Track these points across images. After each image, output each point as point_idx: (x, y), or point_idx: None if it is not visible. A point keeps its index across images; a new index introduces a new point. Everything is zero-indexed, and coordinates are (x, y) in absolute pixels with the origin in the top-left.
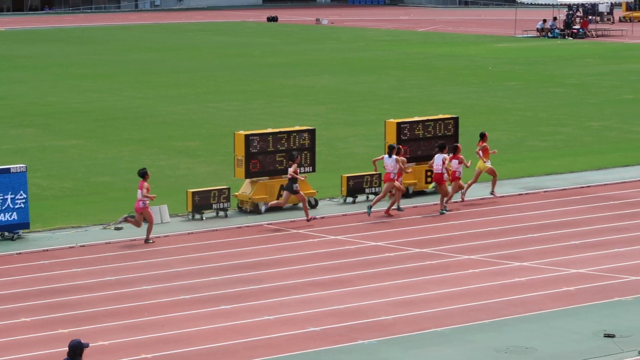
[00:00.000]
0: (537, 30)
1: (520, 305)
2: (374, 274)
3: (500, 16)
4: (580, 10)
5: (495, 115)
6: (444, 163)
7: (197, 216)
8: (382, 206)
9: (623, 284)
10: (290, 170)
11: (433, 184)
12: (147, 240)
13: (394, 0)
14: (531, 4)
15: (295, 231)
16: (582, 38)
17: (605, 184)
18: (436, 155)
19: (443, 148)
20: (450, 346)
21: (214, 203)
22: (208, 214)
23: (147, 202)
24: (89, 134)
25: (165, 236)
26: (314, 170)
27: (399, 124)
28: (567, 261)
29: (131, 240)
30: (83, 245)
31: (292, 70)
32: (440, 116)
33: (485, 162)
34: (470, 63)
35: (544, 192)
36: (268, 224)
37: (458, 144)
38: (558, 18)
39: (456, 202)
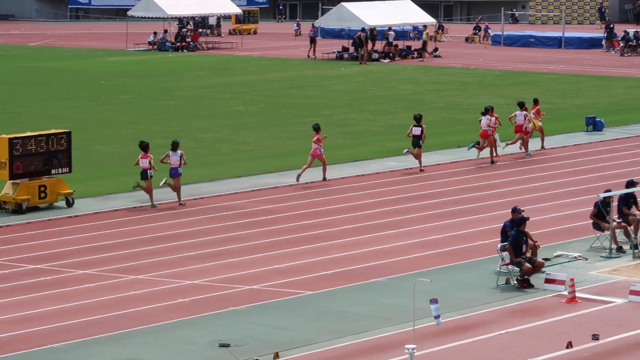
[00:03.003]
0: (149, 43)
1: (137, 317)
2: None
3: (111, 30)
4: (191, 23)
5: (108, 129)
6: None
7: None
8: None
9: (238, 293)
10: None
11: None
12: (298, 177)
13: (4, 14)
14: (142, 18)
15: None
16: (193, 51)
17: (218, 195)
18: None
19: (487, 111)
20: None
21: None
22: None
23: (321, 149)
24: None
25: None
26: None
27: (11, 140)
28: (183, 272)
29: None
30: None
31: None
32: (53, 131)
33: (539, 121)
34: (82, 77)
35: (158, 204)
36: None
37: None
38: (169, 31)
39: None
